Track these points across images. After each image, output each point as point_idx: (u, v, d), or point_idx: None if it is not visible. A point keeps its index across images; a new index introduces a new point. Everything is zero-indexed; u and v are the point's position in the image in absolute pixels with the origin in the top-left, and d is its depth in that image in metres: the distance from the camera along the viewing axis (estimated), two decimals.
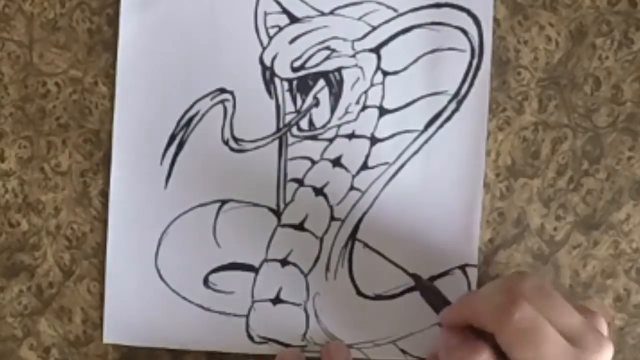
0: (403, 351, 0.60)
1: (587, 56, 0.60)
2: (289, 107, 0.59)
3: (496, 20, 0.59)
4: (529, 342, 0.49)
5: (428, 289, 0.59)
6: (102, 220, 0.60)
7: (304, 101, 0.59)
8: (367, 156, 0.59)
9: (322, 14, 0.59)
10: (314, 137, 0.59)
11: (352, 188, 0.59)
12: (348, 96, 0.59)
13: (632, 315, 0.60)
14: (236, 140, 0.59)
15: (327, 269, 0.60)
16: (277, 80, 0.59)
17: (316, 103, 0.59)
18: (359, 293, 0.60)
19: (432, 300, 0.58)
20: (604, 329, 0.52)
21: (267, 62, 0.59)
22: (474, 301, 0.53)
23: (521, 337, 0.49)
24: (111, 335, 0.60)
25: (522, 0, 0.59)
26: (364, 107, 0.59)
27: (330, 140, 0.59)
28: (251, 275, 0.60)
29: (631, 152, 0.60)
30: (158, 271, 0.60)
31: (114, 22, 0.60)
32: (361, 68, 0.59)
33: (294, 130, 0.59)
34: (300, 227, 0.60)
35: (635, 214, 0.60)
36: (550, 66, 0.60)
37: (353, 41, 0.59)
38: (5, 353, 0.61)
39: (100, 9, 0.60)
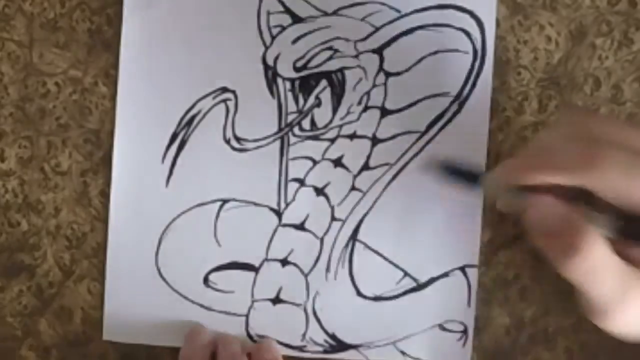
0: (403, 352, 0.60)
1: (587, 56, 0.60)
2: (291, 106, 0.59)
3: (496, 21, 0.59)
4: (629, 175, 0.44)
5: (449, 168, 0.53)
6: (102, 220, 0.60)
7: (306, 101, 0.59)
8: (369, 157, 0.59)
9: (325, 14, 0.59)
10: (315, 137, 0.59)
11: (353, 188, 0.60)
12: (350, 96, 0.59)
13: None
14: (238, 139, 0.59)
15: (328, 269, 0.60)
16: (279, 80, 0.59)
17: (318, 103, 0.59)
18: (359, 294, 0.60)
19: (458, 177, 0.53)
20: None
21: (270, 62, 0.59)
22: (547, 154, 0.48)
23: (623, 171, 0.44)
24: (111, 335, 0.60)
25: (522, 0, 0.59)
26: (366, 108, 0.59)
27: (332, 141, 0.59)
28: (251, 274, 0.60)
29: None
30: (158, 270, 0.60)
31: (114, 22, 0.60)
32: (364, 69, 0.59)
33: (296, 130, 0.59)
34: (301, 227, 0.60)
35: None
36: (550, 66, 0.60)
37: (356, 42, 0.59)
38: (5, 353, 0.61)
39: (100, 9, 0.60)
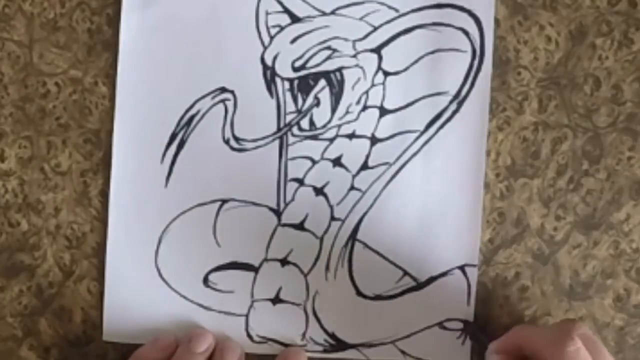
0: (403, 352, 0.60)
1: (587, 56, 0.60)
2: (290, 106, 0.59)
3: (496, 20, 0.59)
4: None
5: (477, 337, 0.60)
6: (102, 220, 0.60)
7: (304, 101, 0.59)
8: (368, 156, 0.59)
9: (324, 13, 0.59)
10: (314, 137, 0.59)
11: (352, 188, 0.60)
12: (349, 96, 0.59)
13: (632, 315, 0.60)
14: (237, 139, 0.59)
15: (327, 268, 0.60)
16: (278, 80, 0.59)
17: (317, 103, 0.59)
18: (359, 293, 0.60)
19: (477, 342, 0.60)
20: None
21: (268, 62, 0.59)
22: (530, 331, 0.56)
23: None
24: (111, 335, 0.60)
25: (522, 0, 0.59)
26: (365, 107, 0.59)
27: (331, 140, 0.59)
28: (251, 274, 0.60)
29: (631, 152, 0.60)
30: (158, 270, 0.60)
31: (114, 22, 0.60)
32: (362, 68, 0.59)
33: (295, 129, 0.59)
34: (300, 226, 0.60)
35: (635, 214, 0.60)
36: (550, 66, 0.60)
37: (354, 41, 0.59)
38: (5, 353, 0.61)
39: (100, 9, 0.60)
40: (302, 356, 0.59)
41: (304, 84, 0.59)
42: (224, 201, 0.60)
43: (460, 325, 0.60)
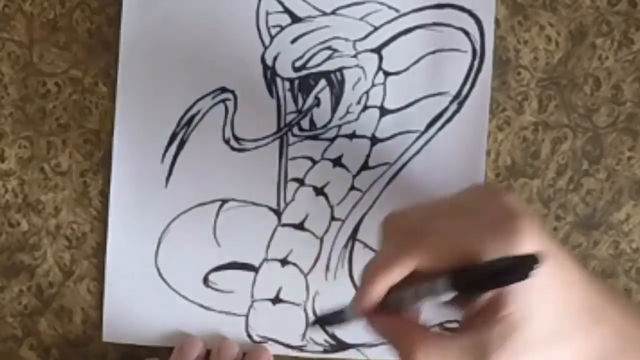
0: None
1: (587, 56, 0.60)
2: (290, 106, 0.59)
3: (496, 21, 0.59)
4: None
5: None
6: (102, 220, 0.60)
7: (305, 101, 0.59)
8: (368, 156, 0.59)
9: (324, 13, 0.59)
10: (314, 137, 0.59)
11: (352, 188, 0.60)
12: (349, 96, 0.59)
13: None
14: (237, 139, 0.59)
15: (327, 269, 0.60)
16: (278, 80, 0.59)
17: (317, 103, 0.59)
18: None
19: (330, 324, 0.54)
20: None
21: (269, 62, 0.59)
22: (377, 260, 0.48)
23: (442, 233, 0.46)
24: (111, 335, 0.60)
25: (522, 0, 0.59)
26: (365, 107, 0.59)
27: (331, 140, 0.59)
28: (251, 274, 0.60)
29: (631, 152, 0.60)
30: (158, 270, 0.60)
31: (114, 22, 0.60)
32: (362, 68, 0.59)
33: (295, 129, 0.59)
34: (300, 226, 0.60)
35: (635, 214, 0.60)
36: (550, 66, 0.60)
37: (355, 41, 0.59)
38: (5, 353, 0.61)
39: (100, 9, 0.60)
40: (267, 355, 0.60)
41: (304, 84, 0.59)
42: (224, 201, 0.60)
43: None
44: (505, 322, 0.43)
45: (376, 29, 0.59)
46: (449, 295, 0.44)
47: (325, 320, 0.53)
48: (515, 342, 0.43)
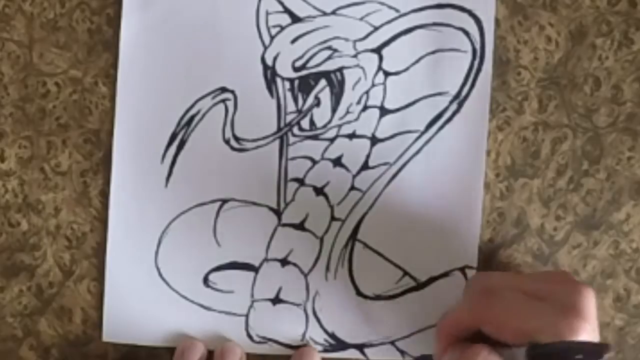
0: (402, 352, 0.60)
1: (587, 56, 0.60)
2: (290, 106, 0.59)
3: (496, 20, 0.59)
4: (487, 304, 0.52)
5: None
6: (102, 220, 0.60)
7: (305, 101, 0.59)
8: (368, 156, 0.59)
9: (324, 13, 0.59)
10: (314, 137, 0.59)
11: (352, 188, 0.59)
12: (349, 96, 0.59)
13: (632, 315, 0.60)
14: (237, 139, 0.59)
15: (327, 269, 0.60)
16: (278, 80, 0.59)
17: (317, 103, 0.59)
18: (359, 293, 0.60)
19: None
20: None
21: (269, 62, 0.59)
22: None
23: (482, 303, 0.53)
24: (111, 335, 0.60)
25: (522, 0, 0.59)
26: (365, 107, 0.59)
27: (331, 140, 0.59)
28: (251, 274, 0.60)
29: (631, 152, 0.60)
30: (158, 270, 0.60)
31: (114, 22, 0.60)
32: (363, 68, 0.59)
33: (295, 129, 0.59)
34: (300, 226, 0.60)
35: (635, 214, 0.60)
36: (550, 66, 0.60)
37: (355, 41, 0.59)
38: (5, 353, 0.61)
39: (100, 9, 0.60)
40: (315, 355, 0.60)
41: (304, 84, 0.59)
42: (224, 201, 0.60)
43: None
44: None
45: (376, 29, 0.59)
46: None
47: None
48: None
